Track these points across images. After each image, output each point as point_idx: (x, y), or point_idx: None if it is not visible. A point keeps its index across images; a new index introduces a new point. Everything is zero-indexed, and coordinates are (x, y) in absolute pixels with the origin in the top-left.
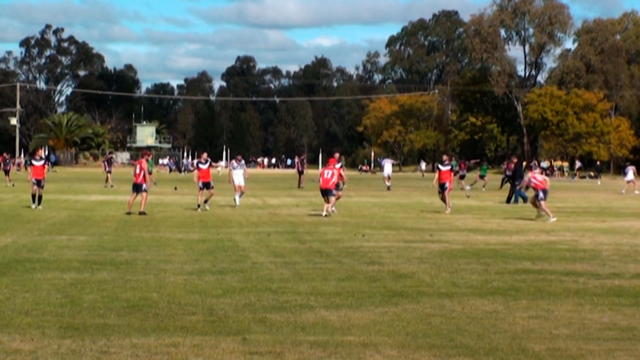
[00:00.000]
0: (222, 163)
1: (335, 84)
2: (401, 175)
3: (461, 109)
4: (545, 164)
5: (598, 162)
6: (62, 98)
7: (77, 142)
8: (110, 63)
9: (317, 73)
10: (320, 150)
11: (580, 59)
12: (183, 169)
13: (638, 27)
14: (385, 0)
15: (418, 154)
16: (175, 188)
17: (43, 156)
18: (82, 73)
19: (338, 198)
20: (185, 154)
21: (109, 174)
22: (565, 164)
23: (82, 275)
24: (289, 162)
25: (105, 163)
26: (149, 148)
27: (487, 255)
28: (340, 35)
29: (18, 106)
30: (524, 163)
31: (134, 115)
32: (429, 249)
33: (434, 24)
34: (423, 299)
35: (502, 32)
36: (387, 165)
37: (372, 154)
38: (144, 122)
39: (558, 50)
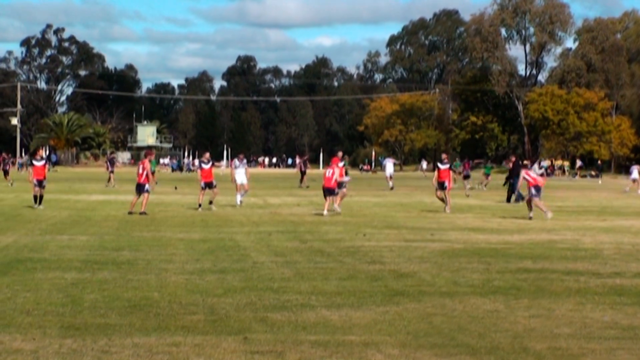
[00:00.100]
0: (224, 162)
1: (335, 84)
2: (402, 175)
3: (462, 108)
4: (546, 163)
5: (599, 161)
6: (63, 98)
7: (78, 142)
8: (111, 63)
9: (317, 72)
10: (321, 150)
11: (581, 58)
12: (185, 168)
13: (638, 26)
14: (385, 0)
15: (419, 154)
16: (176, 187)
17: (44, 156)
18: (82, 73)
19: (343, 197)
20: (186, 154)
21: (111, 174)
22: (566, 163)
23: (84, 275)
24: (289, 161)
25: (108, 163)
26: (150, 148)
27: (488, 255)
28: (340, 34)
29: (19, 106)
30: (526, 162)
31: (134, 115)
32: (430, 248)
33: (435, 23)
34: (424, 298)
35: (503, 31)
36: (389, 165)
37: (373, 153)
38: (145, 122)
39: (559, 50)
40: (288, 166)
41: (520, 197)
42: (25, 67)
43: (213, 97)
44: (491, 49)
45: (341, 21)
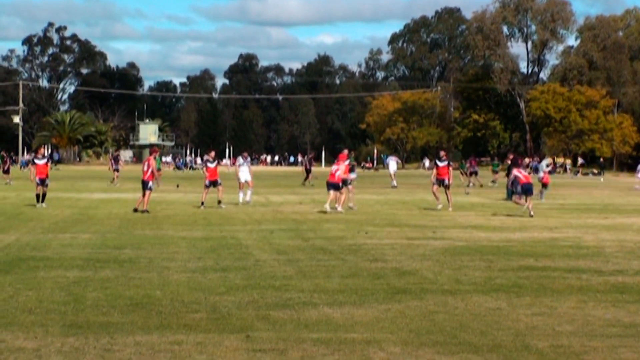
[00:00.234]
0: (226, 161)
1: (337, 82)
2: (404, 173)
3: (464, 106)
4: (547, 160)
5: (601, 159)
6: (65, 96)
7: (80, 140)
8: (113, 61)
9: (319, 70)
10: (323, 148)
11: (583, 55)
12: (189, 167)
13: None
14: None
15: (421, 151)
16: (178, 186)
17: (45, 154)
18: (84, 71)
19: (343, 199)
20: (188, 152)
21: (116, 172)
22: (568, 161)
23: (86, 273)
24: (292, 159)
25: (112, 161)
26: (154, 145)
27: (490, 252)
28: (342, 32)
29: (21, 104)
30: (527, 160)
31: (136, 113)
32: (432, 246)
33: (437, 21)
34: (426, 296)
35: (505, 29)
36: (392, 163)
37: (375, 151)
38: (147, 120)
39: (560, 47)
40: (290, 164)
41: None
42: (27, 65)
43: (215, 95)
44: (493, 47)
45: (343, 19)
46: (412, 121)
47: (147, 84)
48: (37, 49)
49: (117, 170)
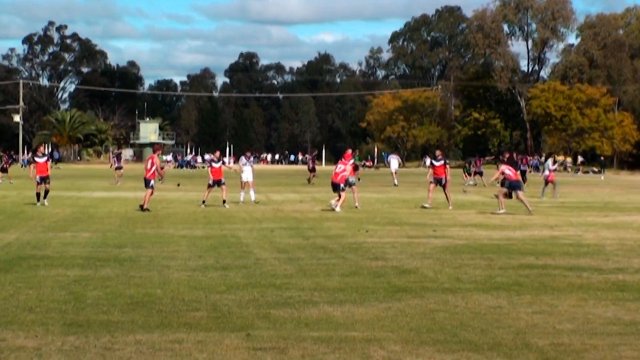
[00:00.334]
0: (226, 160)
1: (338, 80)
2: (405, 171)
3: (464, 105)
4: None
5: (601, 157)
6: (65, 95)
7: (81, 138)
8: (113, 60)
9: (320, 69)
10: (324, 146)
11: (583, 54)
12: (190, 165)
13: None
14: None
15: (421, 150)
16: (179, 184)
17: (46, 152)
18: (85, 70)
19: (343, 201)
20: (188, 151)
21: (119, 170)
22: (569, 159)
23: (86, 272)
24: (292, 158)
25: (115, 159)
26: (157, 143)
27: (490, 251)
28: (342, 31)
29: (21, 103)
30: (529, 158)
31: (137, 112)
32: (433, 245)
33: (437, 20)
34: (427, 295)
35: (505, 27)
36: (393, 161)
37: (376, 149)
38: (147, 119)
39: (561, 45)
40: (291, 162)
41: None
42: (27, 64)
43: (215, 94)
44: (493, 45)
45: (343, 18)
46: (412, 119)
47: (148, 82)
48: (38, 47)
49: (119, 168)
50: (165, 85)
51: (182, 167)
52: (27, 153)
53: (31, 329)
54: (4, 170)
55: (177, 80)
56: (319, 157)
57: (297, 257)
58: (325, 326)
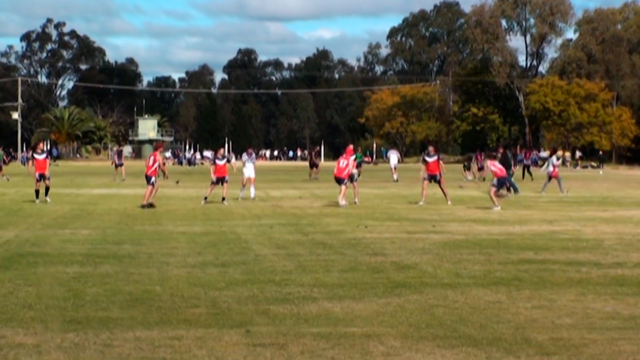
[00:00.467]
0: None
1: (336, 76)
2: (403, 167)
3: (463, 100)
4: (545, 153)
5: (600, 152)
6: (64, 92)
7: (79, 136)
8: (112, 57)
9: (318, 65)
10: (322, 142)
11: (582, 49)
12: (192, 162)
13: (639, 17)
14: None
15: (420, 145)
16: (178, 181)
17: (45, 149)
18: (83, 67)
19: (343, 194)
20: (187, 147)
21: (120, 167)
22: (567, 154)
23: (85, 269)
24: (290, 154)
25: (116, 156)
26: (150, 141)
27: (489, 246)
28: (340, 27)
29: (20, 100)
30: (529, 152)
31: (135, 109)
32: (432, 240)
33: (435, 15)
34: (426, 290)
35: (503, 22)
36: (393, 157)
37: (374, 145)
38: (146, 116)
39: (559, 41)
40: (289, 159)
41: (516, 188)
42: (25, 61)
43: (214, 91)
44: (492, 40)
45: (341, 13)
46: (411, 115)
47: (146, 79)
48: (36, 45)
49: (121, 165)
50: (163, 82)
51: (181, 163)
52: (27, 151)
53: (30, 326)
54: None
55: (176, 77)
56: (318, 153)
57: (296, 253)
58: (325, 322)
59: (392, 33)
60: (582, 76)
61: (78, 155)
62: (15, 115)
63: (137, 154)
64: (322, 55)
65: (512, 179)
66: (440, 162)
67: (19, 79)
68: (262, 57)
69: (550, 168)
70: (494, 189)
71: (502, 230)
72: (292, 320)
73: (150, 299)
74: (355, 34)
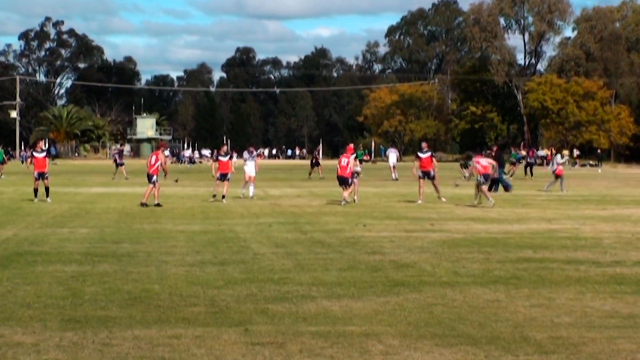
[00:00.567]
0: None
1: (335, 74)
2: (402, 165)
3: (461, 98)
4: (543, 152)
5: (598, 150)
6: (62, 90)
7: (78, 134)
8: (110, 55)
9: (316, 63)
10: (321, 141)
11: (580, 47)
12: (191, 161)
13: (637, 15)
14: None
15: (419, 144)
16: (177, 180)
17: (44, 148)
18: (81, 65)
19: (351, 191)
20: (185, 146)
21: (121, 167)
22: (566, 152)
23: (84, 268)
24: (289, 152)
25: (117, 156)
26: (149, 140)
27: (488, 244)
28: (339, 25)
29: (18, 99)
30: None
31: (134, 107)
32: (430, 239)
33: (434, 14)
34: (425, 289)
35: (502, 20)
36: (392, 155)
37: (373, 143)
38: (144, 114)
39: (557, 39)
40: (288, 157)
41: (509, 186)
42: (24, 60)
43: (212, 89)
44: (490, 39)
45: (339, 12)
46: (409, 113)
47: (145, 78)
48: (34, 43)
49: (122, 164)
50: (162, 80)
51: (179, 162)
52: (26, 149)
53: (29, 325)
54: None
55: (174, 75)
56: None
57: (294, 251)
58: (324, 321)
59: (391, 31)
60: (580, 74)
61: (76, 154)
62: (14, 114)
63: (136, 153)
64: (321, 53)
65: (505, 177)
66: (434, 158)
67: (18, 78)
68: (260, 56)
69: (554, 166)
70: (483, 186)
71: (500, 229)
72: (291, 319)
73: (149, 298)
74: (353, 32)
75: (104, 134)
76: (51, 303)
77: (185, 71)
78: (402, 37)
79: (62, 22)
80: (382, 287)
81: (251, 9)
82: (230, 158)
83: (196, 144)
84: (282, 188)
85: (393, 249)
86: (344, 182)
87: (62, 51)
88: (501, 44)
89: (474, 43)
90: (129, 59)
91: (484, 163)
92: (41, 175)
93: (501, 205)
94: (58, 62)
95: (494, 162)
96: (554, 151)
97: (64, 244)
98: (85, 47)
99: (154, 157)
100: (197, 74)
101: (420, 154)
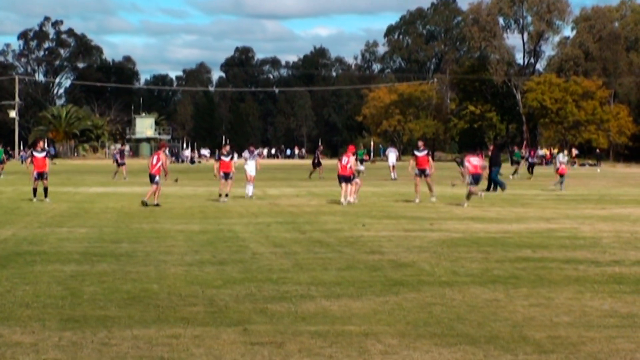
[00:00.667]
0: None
1: (334, 74)
2: (400, 165)
3: (460, 98)
4: (542, 151)
5: (597, 150)
6: (61, 90)
7: (77, 134)
8: (109, 55)
9: (315, 63)
10: (320, 141)
11: (579, 46)
12: (191, 160)
13: (636, 14)
14: None
15: (417, 143)
16: (177, 180)
17: (44, 147)
18: (80, 65)
19: (358, 188)
20: (184, 145)
21: (122, 167)
22: (565, 152)
23: (83, 268)
24: (288, 152)
25: (118, 155)
26: (148, 140)
27: (487, 244)
28: (338, 25)
29: (17, 99)
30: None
31: (133, 107)
32: (429, 238)
33: (433, 13)
34: (423, 288)
35: (501, 20)
36: (391, 155)
37: (372, 143)
38: (143, 114)
39: (556, 38)
40: (287, 157)
41: (503, 185)
42: (23, 59)
43: (211, 89)
44: (489, 38)
45: (338, 11)
46: (408, 113)
47: (143, 77)
48: (33, 43)
49: (123, 164)
50: (161, 80)
51: (178, 161)
52: (25, 149)
53: (28, 325)
54: None
55: (173, 75)
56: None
57: (293, 251)
58: (322, 320)
59: (390, 31)
60: (579, 74)
61: (75, 154)
62: (13, 114)
63: (135, 152)
64: (320, 53)
65: (499, 177)
66: (430, 157)
67: (17, 77)
68: (259, 55)
69: (558, 165)
70: (471, 187)
71: (499, 228)
72: (290, 319)
73: (148, 298)
74: (352, 32)
75: (103, 133)
76: (50, 303)
77: (184, 71)
78: (401, 36)
79: (61, 22)
80: (381, 287)
81: (250, 9)
82: (232, 158)
83: (195, 144)
84: (281, 188)
85: (392, 248)
86: (346, 180)
87: (61, 51)
88: (500, 43)
89: (473, 42)
90: (127, 59)
91: (474, 162)
92: (41, 175)
93: (500, 205)
94: (57, 62)
95: (484, 162)
96: (554, 151)
97: (63, 243)
98: (84, 47)
99: (155, 157)
100: (196, 74)
101: (416, 152)
